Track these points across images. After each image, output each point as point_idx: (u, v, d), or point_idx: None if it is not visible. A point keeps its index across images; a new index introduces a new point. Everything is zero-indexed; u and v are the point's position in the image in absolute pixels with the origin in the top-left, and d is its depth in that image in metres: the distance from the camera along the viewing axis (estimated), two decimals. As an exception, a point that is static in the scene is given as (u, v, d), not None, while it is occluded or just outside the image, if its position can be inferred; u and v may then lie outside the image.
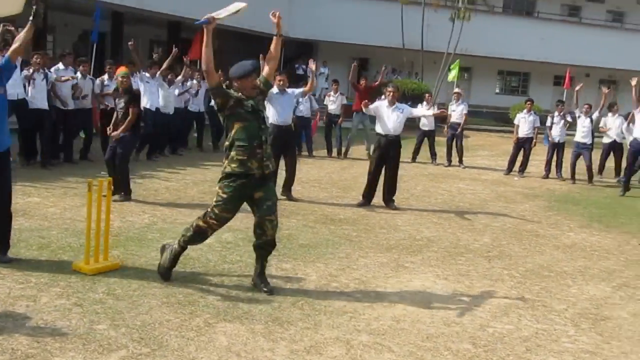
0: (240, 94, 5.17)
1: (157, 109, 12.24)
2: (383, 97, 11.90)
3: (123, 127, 8.24)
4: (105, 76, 11.56)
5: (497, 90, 35.71)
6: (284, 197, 9.17)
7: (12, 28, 6.31)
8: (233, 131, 5.13)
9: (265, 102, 7.79)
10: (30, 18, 5.28)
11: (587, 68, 33.11)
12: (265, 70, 5.50)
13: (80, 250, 5.76)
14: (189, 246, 5.41)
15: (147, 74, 11.87)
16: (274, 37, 5.59)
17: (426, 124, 15.18)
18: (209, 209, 5.22)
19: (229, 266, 5.89)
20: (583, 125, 13.54)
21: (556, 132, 14.00)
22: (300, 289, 5.42)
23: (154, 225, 7.18)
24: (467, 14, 26.25)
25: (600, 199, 11.80)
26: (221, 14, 5.22)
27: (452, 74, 21.95)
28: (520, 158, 14.17)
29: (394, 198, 9.39)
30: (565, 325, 5.08)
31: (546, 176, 14.01)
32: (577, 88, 14.13)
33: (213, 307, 4.81)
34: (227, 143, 5.19)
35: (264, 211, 5.21)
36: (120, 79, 8.50)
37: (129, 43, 10.97)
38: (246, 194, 5.20)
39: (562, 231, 8.74)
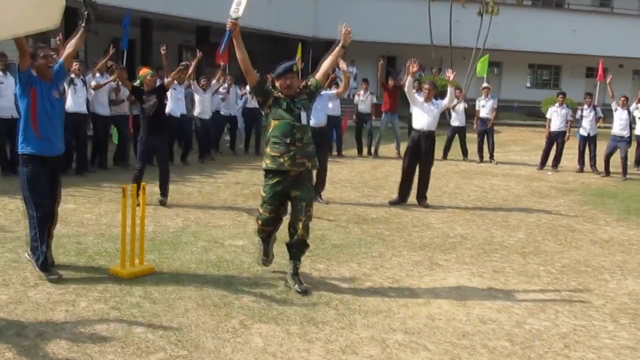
0: (279, 92, 5.36)
1: (183, 115, 12.32)
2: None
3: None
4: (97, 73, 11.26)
5: (528, 85, 35.26)
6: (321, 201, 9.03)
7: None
8: (270, 128, 5.33)
9: None
10: (82, 24, 5.31)
11: (620, 59, 32.54)
12: (319, 74, 5.68)
13: (117, 255, 5.85)
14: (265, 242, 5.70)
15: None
16: (338, 47, 5.81)
17: (456, 121, 15.09)
18: (257, 214, 5.58)
19: (262, 268, 5.90)
20: (620, 117, 13.30)
21: (587, 124, 13.81)
22: (335, 289, 5.42)
23: (187, 229, 7.25)
24: (495, 8, 25.91)
25: (637, 191, 11.58)
26: (239, 10, 5.40)
27: (480, 69, 21.73)
28: (553, 153, 13.98)
29: (426, 195, 9.34)
30: (604, 321, 5.00)
31: (580, 170, 13.79)
32: (608, 80, 13.92)
33: (248, 309, 4.84)
34: (265, 140, 5.40)
35: (297, 211, 5.31)
36: (149, 77, 8.62)
37: (161, 48, 11.01)
38: (284, 192, 5.33)
39: (598, 225, 8.60)
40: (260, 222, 5.50)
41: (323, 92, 8.90)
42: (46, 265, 5.34)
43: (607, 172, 13.36)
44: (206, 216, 7.92)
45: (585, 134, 13.84)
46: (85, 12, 5.29)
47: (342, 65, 8.94)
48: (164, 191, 8.58)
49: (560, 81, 34.93)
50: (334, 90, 9.70)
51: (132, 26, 16.16)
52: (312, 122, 8.46)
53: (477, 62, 21.81)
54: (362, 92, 15.80)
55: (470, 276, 6.02)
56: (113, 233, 6.78)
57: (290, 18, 25.70)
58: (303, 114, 5.37)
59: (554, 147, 13.98)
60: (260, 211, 5.44)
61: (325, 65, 5.71)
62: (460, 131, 15.10)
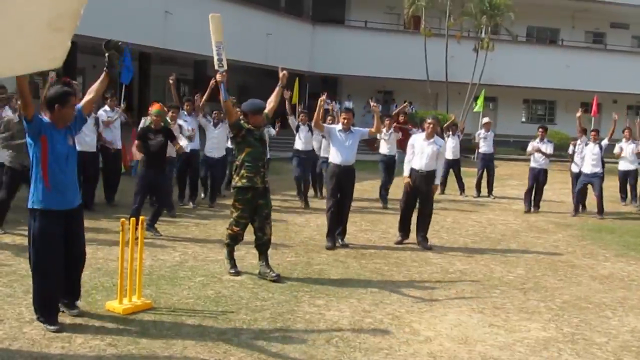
0: (250, 125, 6.64)
1: (193, 150, 11.07)
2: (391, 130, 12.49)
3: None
4: (106, 107, 10.93)
5: (523, 119, 35.54)
6: (339, 244, 8.53)
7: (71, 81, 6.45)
8: (243, 154, 6.62)
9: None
10: (105, 68, 5.09)
11: (614, 94, 32.89)
12: (268, 107, 6.94)
13: (113, 290, 5.77)
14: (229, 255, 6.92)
15: (184, 111, 10.97)
16: (278, 87, 7.16)
17: (451, 154, 14.37)
18: (230, 221, 6.78)
19: (261, 303, 5.85)
20: (592, 152, 12.53)
21: (578, 160, 12.96)
22: (334, 326, 5.36)
23: (185, 263, 7.19)
24: (490, 44, 26.28)
25: (635, 226, 11.57)
26: (223, 64, 6.50)
27: (478, 105, 21.92)
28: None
29: (427, 237, 8.92)
30: (608, 359, 4.94)
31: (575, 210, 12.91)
32: (577, 114, 13.37)
33: (247, 346, 4.77)
34: (237, 163, 6.67)
35: (263, 217, 6.74)
36: (154, 117, 8.60)
37: (170, 78, 10.81)
38: (254, 203, 6.66)
39: (597, 261, 8.57)
40: (235, 228, 6.73)
41: (355, 129, 8.65)
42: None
43: (577, 210, 12.70)
44: (204, 250, 7.85)
45: (576, 171, 13.04)
46: (108, 55, 5.08)
47: (373, 104, 8.87)
48: (152, 218, 8.51)
49: (555, 116, 35.24)
50: (367, 130, 8.77)
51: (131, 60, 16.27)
52: (340, 160, 8.46)
53: (476, 98, 22.04)
54: (384, 130, 14.11)
55: (470, 312, 5.96)
56: (110, 267, 6.71)
57: (287, 53, 25.92)
58: (267, 148, 7.18)
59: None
60: (236, 219, 6.70)
61: (270, 103, 7.05)
62: (455, 164, 14.87)
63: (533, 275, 7.56)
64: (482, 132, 15.19)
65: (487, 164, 14.89)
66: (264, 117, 6.74)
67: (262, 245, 6.81)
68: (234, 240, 6.86)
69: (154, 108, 8.74)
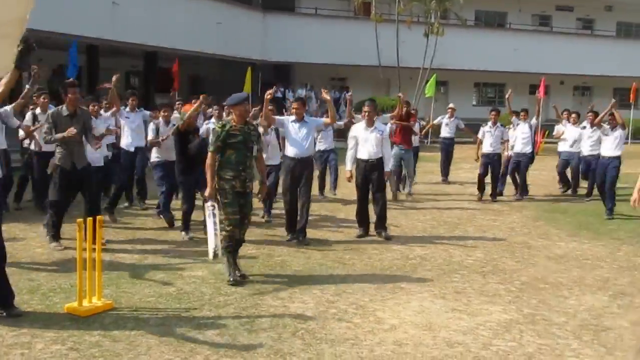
0: (231, 126, 6.40)
1: (138, 149, 10.12)
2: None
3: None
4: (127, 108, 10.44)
5: (474, 102, 36.00)
6: (295, 240, 8.21)
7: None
8: (225, 155, 6.36)
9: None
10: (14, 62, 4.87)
11: (561, 76, 33.57)
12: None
13: (72, 292, 5.65)
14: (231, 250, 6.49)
15: (127, 108, 10.28)
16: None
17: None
18: (221, 223, 6.35)
19: (224, 298, 5.81)
20: (523, 131, 12.50)
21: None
22: (300, 317, 5.35)
23: (145, 260, 7.08)
24: (440, 29, 26.45)
25: (586, 206, 11.84)
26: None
27: (429, 89, 22.11)
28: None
29: (386, 226, 8.76)
30: (568, 339, 5.06)
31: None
32: (507, 95, 13.04)
33: (212, 343, 4.73)
34: (217, 163, 6.37)
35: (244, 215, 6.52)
36: (187, 120, 8.21)
37: (114, 78, 9.85)
38: (238, 196, 6.40)
39: (552, 241, 8.76)
40: (230, 226, 6.34)
41: (309, 119, 8.59)
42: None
43: (516, 189, 12.65)
44: (163, 247, 7.75)
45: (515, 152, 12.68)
46: (19, 48, 4.87)
47: (326, 96, 8.44)
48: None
49: (505, 98, 35.78)
50: (322, 119, 8.84)
51: (79, 53, 15.88)
52: (294, 153, 8.22)
53: (427, 83, 22.20)
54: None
55: (433, 298, 6.03)
56: (67, 267, 6.56)
57: (239, 42, 25.68)
58: (254, 147, 6.64)
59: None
60: (229, 217, 6.34)
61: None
62: (415, 151, 14.74)
63: (491, 258, 7.69)
64: (445, 117, 15.14)
65: (448, 148, 14.96)
66: (246, 107, 6.72)
67: (237, 245, 6.60)
68: (234, 242, 6.44)
69: (188, 109, 8.61)
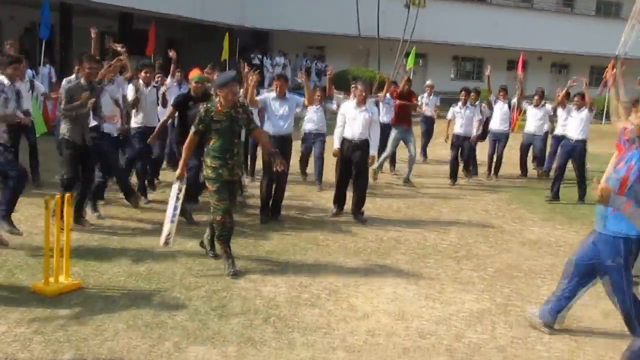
0: (215, 110, 5.90)
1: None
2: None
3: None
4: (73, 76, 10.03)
5: (452, 76, 35.95)
6: (271, 218, 8.08)
7: None
8: (210, 143, 5.96)
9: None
10: None
11: (540, 52, 33.63)
12: (259, 133, 6.56)
13: (39, 269, 5.50)
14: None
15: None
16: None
17: (386, 119, 12.10)
18: (213, 210, 6.01)
19: (195, 279, 5.71)
20: (501, 109, 12.31)
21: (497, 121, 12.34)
22: (271, 303, 5.28)
23: (114, 236, 6.93)
24: (421, 1, 26.24)
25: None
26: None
27: (409, 61, 21.96)
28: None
29: (363, 210, 8.55)
30: (539, 331, 5.06)
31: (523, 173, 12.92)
32: (487, 73, 12.68)
33: (182, 329, 4.64)
34: (204, 150, 6.02)
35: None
36: (194, 84, 7.70)
37: (92, 31, 8.76)
38: (228, 191, 6.02)
39: (526, 226, 8.78)
40: (221, 215, 5.93)
41: (290, 96, 8.36)
42: None
43: (490, 171, 12.47)
44: (133, 222, 7.60)
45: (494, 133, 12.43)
46: None
47: (301, 78, 8.28)
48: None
49: (482, 73, 35.75)
50: (302, 98, 8.38)
51: (51, 11, 15.43)
52: (273, 131, 8.01)
53: (407, 54, 22.03)
54: (387, 95, 12.17)
55: (406, 285, 5.99)
56: (35, 243, 6.39)
57: (217, 6, 25.16)
58: (242, 132, 6.18)
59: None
60: (219, 204, 5.93)
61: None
62: (429, 125, 14.26)
63: (465, 242, 7.67)
64: (424, 96, 14.28)
65: (429, 128, 14.40)
66: (235, 89, 5.99)
67: (221, 237, 6.11)
68: (226, 230, 6.01)
69: (194, 73, 7.79)
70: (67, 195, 5.37)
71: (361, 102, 8.44)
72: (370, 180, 9.46)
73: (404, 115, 11.49)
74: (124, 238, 6.89)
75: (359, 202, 8.53)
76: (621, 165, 4.46)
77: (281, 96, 8.16)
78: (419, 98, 13.74)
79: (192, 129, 6.01)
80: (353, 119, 8.38)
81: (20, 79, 8.18)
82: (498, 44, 32.04)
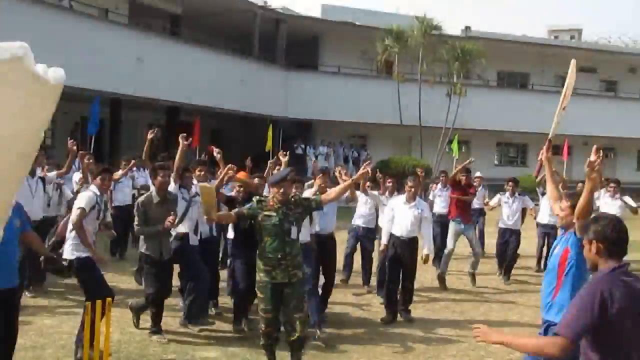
0: (267, 205, 5.67)
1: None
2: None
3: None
4: (120, 172, 10.53)
5: (496, 162, 35.73)
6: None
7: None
8: (262, 242, 5.68)
9: None
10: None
11: (584, 137, 33.31)
12: (325, 195, 6.13)
13: (78, 375, 5.37)
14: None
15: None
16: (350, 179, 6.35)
17: (441, 210, 11.58)
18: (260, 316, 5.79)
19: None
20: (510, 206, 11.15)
21: (505, 215, 11.16)
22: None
23: (154, 337, 6.78)
24: (462, 89, 26.49)
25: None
26: None
27: (454, 150, 21.94)
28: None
29: (410, 308, 8.22)
30: None
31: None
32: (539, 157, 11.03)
33: None
34: (258, 250, 5.75)
35: (290, 309, 5.65)
36: (238, 187, 7.46)
37: (150, 132, 8.63)
38: (277, 290, 5.64)
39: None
40: (262, 326, 5.73)
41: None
42: None
43: (539, 265, 11.70)
44: (175, 321, 7.44)
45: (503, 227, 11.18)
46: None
47: (343, 175, 7.42)
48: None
49: (527, 159, 35.48)
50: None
51: (102, 106, 15.98)
52: (317, 229, 7.50)
53: (450, 142, 22.02)
54: (439, 185, 12.03)
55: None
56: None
57: (260, 99, 25.79)
58: (294, 229, 5.69)
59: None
60: (261, 315, 5.71)
61: (335, 191, 6.14)
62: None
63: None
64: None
65: (477, 219, 12.59)
66: (288, 189, 5.73)
67: (293, 342, 5.75)
68: (267, 338, 5.77)
69: (241, 176, 7.50)
70: (109, 299, 5.27)
71: (411, 198, 8.14)
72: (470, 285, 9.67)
73: (461, 210, 10.43)
74: (166, 338, 6.73)
75: (405, 299, 8.22)
76: (558, 248, 4.45)
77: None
78: (432, 192, 12.29)
79: (236, 209, 5.90)
80: (402, 215, 8.09)
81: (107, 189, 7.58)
82: (542, 129, 31.78)
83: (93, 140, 15.38)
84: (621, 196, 11.41)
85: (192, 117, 20.44)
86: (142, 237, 6.84)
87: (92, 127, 14.02)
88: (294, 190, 6.12)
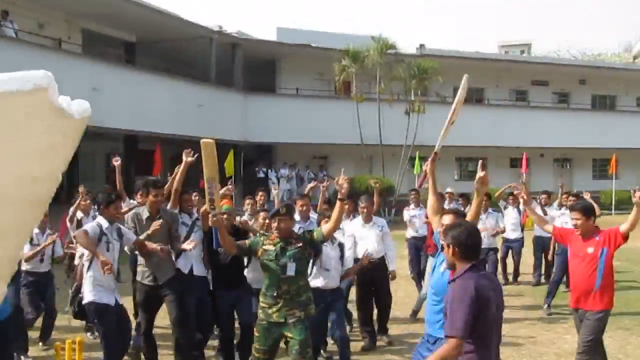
0: (271, 238, 5.32)
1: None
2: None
3: None
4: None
5: (456, 177, 36.09)
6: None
7: None
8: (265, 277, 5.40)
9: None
10: None
11: (541, 149, 33.92)
12: (324, 227, 5.49)
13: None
14: None
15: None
16: (338, 201, 5.36)
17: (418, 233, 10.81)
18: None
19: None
20: (512, 217, 11.96)
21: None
22: None
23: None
24: (421, 107, 26.74)
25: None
26: (212, 197, 5.41)
27: (416, 167, 22.06)
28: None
29: (387, 327, 8.12)
30: None
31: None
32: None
33: None
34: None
35: (292, 355, 5.22)
36: (225, 216, 6.32)
37: (114, 160, 8.70)
38: (276, 332, 5.28)
39: (558, 334, 8.35)
40: None
41: (313, 217, 7.58)
42: None
43: (506, 279, 12.01)
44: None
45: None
46: None
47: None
48: None
49: (486, 172, 35.91)
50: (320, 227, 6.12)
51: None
52: (320, 283, 6.59)
53: (411, 159, 22.09)
54: (412, 205, 11.19)
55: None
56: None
57: (220, 123, 25.59)
58: (291, 265, 5.22)
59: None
60: (254, 354, 5.39)
61: (333, 218, 5.43)
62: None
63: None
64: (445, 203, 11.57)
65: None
66: (282, 224, 5.28)
67: None
68: None
69: (223, 204, 6.37)
70: (78, 339, 5.04)
71: (367, 218, 7.94)
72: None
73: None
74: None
75: (382, 319, 8.10)
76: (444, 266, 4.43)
77: (305, 217, 7.47)
78: (405, 211, 11.36)
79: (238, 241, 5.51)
80: (363, 237, 7.83)
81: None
82: (499, 143, 32.37)
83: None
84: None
85: (151, 144, 20.14)
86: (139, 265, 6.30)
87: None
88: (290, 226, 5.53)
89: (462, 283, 3.59)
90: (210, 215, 5.34)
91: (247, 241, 5.51)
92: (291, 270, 5.22)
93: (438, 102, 30.30)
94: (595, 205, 10.08)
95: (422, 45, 31.86)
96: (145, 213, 6.28)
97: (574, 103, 37.59)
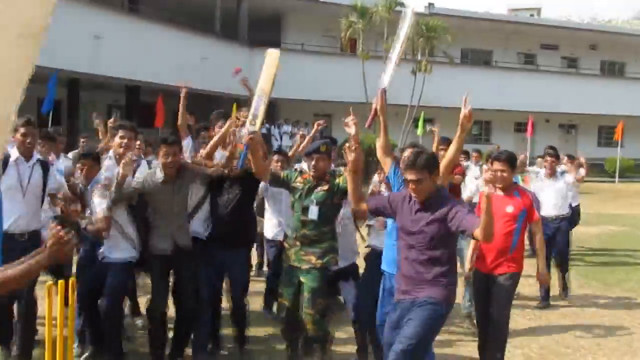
0: (299, 179, 5.02)
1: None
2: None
3: None
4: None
5: (460, 139, 35.82)
6: None
7: None
8: None
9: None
10: None
11: (546, 114, 33.55)
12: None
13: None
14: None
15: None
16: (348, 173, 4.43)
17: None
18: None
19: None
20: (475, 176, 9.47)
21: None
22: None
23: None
24: (428, 67, 26.32)
25: (590, 257, 11.33)
26: (256, 123, 4.90)
27: (419, 128, 21.79)
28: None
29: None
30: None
31: None
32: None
33: None
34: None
35: (304, 302, 4.89)
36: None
37: (113, 116, 8.02)
38: (295, 277, 4.96)
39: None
40: (282, 313, 5.11)
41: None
42: None
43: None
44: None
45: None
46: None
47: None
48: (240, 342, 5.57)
49: (490, 135, 35.63)
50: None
51: (59, 86, 15.28)
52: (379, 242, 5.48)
53: (415, 120, 21.84)
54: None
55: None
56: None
57: (222, 78, 25.19)
58: (313, 208, 4.87)
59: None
60: (280, 302, 5.14)
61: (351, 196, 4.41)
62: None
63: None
64: (470, 162, 10.70)
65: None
66: (320, 163, 4.93)
67: (305, 343, 5.14)
68: (286, 333, 5.19)
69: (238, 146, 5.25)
70: (72, 279, 4.83)
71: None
72: None
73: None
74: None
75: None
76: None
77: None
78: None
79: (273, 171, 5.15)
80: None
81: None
82: (505, 107, 32.00)
83: (50, 121, 14.76)
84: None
85: (153, 97, 19.84)
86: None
87: (47, 104, 13.27)
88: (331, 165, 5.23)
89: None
90: (248, 131, 4.75)
91: (283, 172, 5.17)
92: (312, 213, 4.85)
93: (445, 63, 29.88)
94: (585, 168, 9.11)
95: (430, 4, 31.25)
96: (159, 176, 5.13)
97: (583, 68, 37.09)
